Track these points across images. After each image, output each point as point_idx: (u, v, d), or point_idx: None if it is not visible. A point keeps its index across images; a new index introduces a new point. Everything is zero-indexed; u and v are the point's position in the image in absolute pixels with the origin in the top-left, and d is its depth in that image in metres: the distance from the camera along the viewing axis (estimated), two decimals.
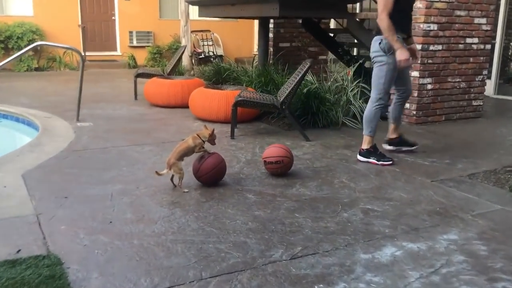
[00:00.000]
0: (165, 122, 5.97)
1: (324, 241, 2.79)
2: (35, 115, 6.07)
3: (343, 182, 3.85)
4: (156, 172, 3.55)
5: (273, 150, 3.96)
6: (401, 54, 4.04)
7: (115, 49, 13.66)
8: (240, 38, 14.43)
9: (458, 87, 6.34)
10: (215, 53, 13.43)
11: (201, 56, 13.14)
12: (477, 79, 6.52)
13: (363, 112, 5.90)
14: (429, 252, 2.69)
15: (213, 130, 3.74)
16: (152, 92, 7.08)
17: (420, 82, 5.98)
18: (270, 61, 7.91)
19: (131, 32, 13.56)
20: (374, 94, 4.32)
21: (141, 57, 13.49)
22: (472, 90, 6.51)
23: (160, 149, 4.67)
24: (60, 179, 3.76)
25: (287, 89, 5.25)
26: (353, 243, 2.78)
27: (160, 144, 4.87)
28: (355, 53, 9.16)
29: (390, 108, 4.65)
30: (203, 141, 3.68)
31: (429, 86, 6.07)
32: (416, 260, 2.59)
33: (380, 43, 4.16)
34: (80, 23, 13.07)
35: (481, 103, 6.69)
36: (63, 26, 12.63)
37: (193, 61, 12.41)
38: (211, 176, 3.64)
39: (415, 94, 5.99)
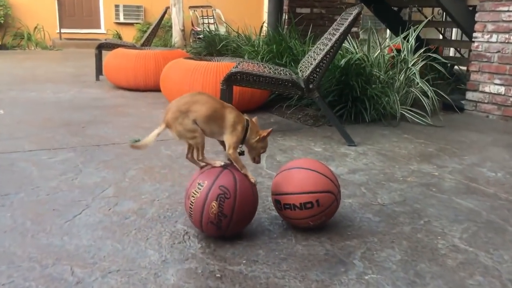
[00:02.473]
0: (120, 111, 3.81)
1: None
2: None
3: (458, 249, 1.67)
4: (133, 143, 1.65)
5: (295, 176, 1.74)
6: None
7: (98, 26, 11.49)
8: (247, 15, 12.18)
9: None
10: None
11: (200, 36, 10.93)
12: None
13: (429, 98, 3.78)
14: None
15: (270, 131, 1.73)
16: (113, 68, 4.87)
17: None
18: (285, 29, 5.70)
19: (117, 6, 11.42)
20: None
21: (129, 35, 11.31)
22: None
23: (84, 159, 2.52)
24: None
25: (315, 58, 3.06)
26: None
27: (88, 149, 2.71)
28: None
29: None
30: (245, 134, 1.69)
31: None
32: None
33: None
34: None
35: None
36: None
37: (190, 39, 10.24)
38: (241, 213, 1.62)
39: None
